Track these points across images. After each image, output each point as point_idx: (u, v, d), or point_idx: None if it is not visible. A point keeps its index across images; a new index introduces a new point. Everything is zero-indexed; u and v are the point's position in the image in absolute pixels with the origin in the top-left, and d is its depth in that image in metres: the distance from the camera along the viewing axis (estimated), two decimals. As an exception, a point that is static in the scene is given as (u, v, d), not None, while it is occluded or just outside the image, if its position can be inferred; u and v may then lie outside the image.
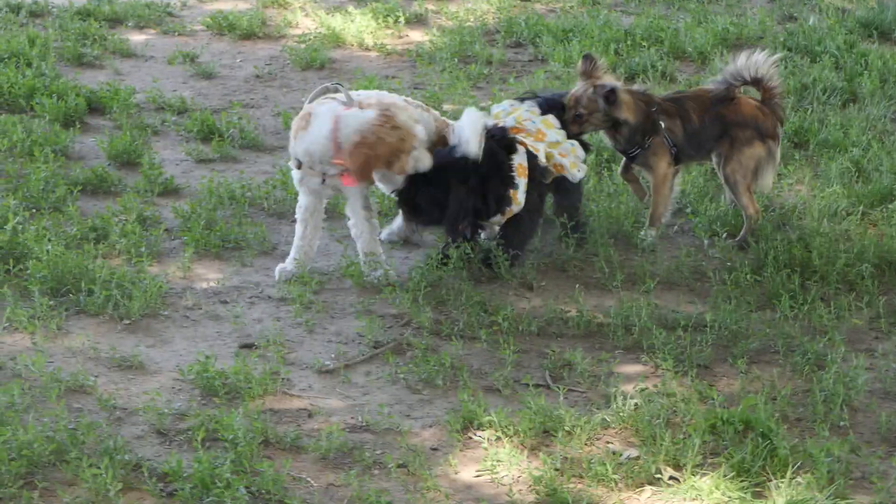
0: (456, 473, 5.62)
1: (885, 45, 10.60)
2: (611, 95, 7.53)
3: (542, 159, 7.32)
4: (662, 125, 7.65)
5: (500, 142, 7.27)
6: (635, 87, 8.11)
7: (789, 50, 10.28)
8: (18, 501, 5.25)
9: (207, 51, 10.57)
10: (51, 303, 6.71)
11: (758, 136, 7.64)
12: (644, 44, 10.39)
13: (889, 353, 6.58)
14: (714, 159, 7.83)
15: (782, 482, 5.45)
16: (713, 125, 7.71)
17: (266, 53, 10.58)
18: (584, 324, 6.75)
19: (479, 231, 7.42)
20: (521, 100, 7.76)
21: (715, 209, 7.88)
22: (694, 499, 5.44)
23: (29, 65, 9.81)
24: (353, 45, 10.75)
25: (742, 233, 7.58)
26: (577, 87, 7.63)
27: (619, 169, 7.94)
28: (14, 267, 6.97)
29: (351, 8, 11.40)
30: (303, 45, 10.57)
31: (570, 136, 7.53)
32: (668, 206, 7.77)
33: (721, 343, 6.61)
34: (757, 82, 7.71)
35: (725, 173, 7.67)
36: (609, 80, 7.70)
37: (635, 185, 7.87)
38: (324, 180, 7.12)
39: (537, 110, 7.55)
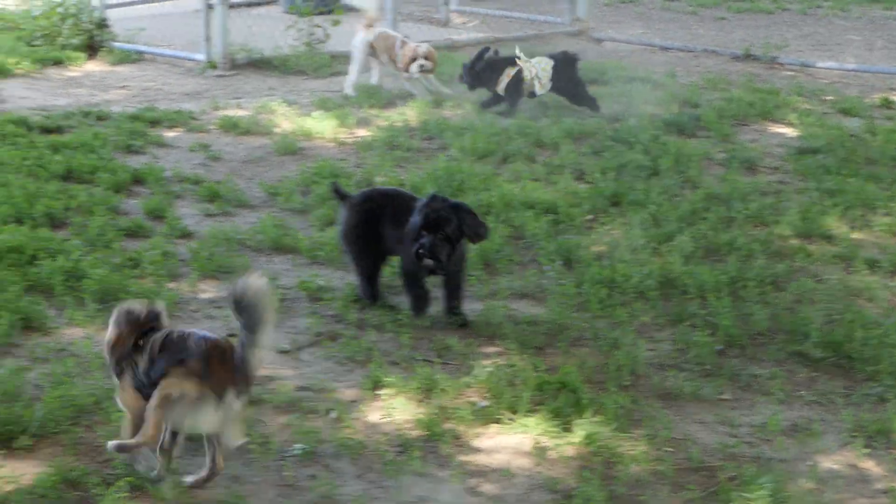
0: (366, 417, 5.78)
1: (680, 139, 10.73)
2: None
3: None
4: None
5: None
6: None
7: (615, 141, 10.42)
8: (69, 433, 5.42)
9: (217, 142, 10.64)
10: (98, 307, 6.80)
11: None
12: (516, 136, 10.53)
13: (664, 340, 6.75)
14: None
15: (583, 421, 5.66)
16: None
17: (257, 144, 10.62)
18: (460, 320, 6.86)
19: None
20: None
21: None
22: (524, 433, 5.63)
23: (93, 151, 9.86)
24: (317, 138, 10.77)
25: None
26: None
27: None
28: (75, 283, 7.08)
29: (316, 113, 11.43)
30: (282, 138, 10.66)
31: None
32: None
33: (551, 333, 6.75)
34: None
35: None
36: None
37: None
38: None
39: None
